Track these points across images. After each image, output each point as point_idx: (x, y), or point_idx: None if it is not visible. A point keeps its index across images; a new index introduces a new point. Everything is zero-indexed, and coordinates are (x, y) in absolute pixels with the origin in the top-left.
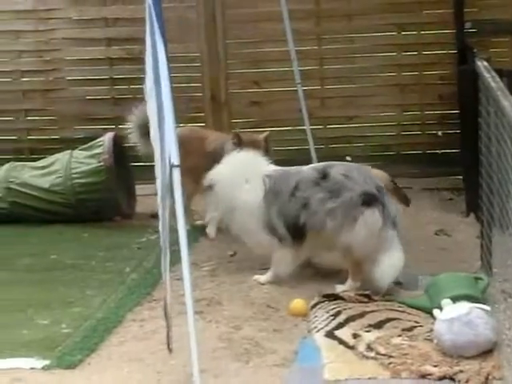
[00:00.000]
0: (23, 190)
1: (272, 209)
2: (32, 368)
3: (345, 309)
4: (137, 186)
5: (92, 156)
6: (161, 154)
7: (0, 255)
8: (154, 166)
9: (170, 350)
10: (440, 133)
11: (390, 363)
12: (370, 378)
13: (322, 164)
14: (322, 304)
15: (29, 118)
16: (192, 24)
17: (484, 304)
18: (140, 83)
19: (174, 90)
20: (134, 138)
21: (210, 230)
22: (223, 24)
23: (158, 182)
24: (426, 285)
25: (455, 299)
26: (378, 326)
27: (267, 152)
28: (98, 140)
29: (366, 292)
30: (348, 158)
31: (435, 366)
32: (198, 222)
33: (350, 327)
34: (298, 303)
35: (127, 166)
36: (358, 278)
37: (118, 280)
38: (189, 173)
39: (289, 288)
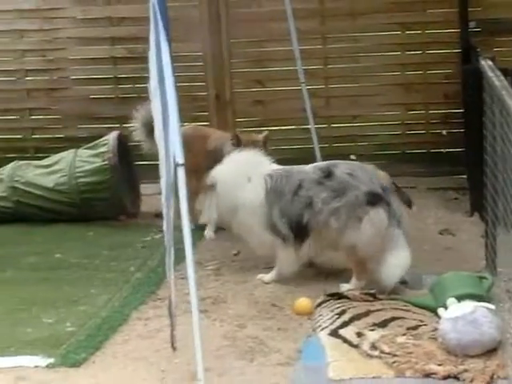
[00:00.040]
0: (28, 189)
1: (274, 208)
2: (36, 366)
3: (349, 308)
4: (141, 185)
5: (96, 155)
6: (165, 153)
7: (5, 254)
8: (158, 165)
9: (174, 348)
10: (444, 132)
11: (394, 362)
12: (374, 377)
13: (325, 163)
14: (327, 303)
15: (33, 116)
16: (196, 23)
17: (489, 303)
18: (144, 82)
19: (178, 89)
20: (138, 136)
21: (209, 232)
22: (227, 23)
23: (163, 181)
24: (430, 284)
25: (460, 298)
26: (383, 324)
27: (266, 152)
28: (103, 139)
29: (371, 291)
30: (352, 157)
31: (440, 365)
32: (203, 221)
33: (354, 326)
34: (302, 302)
35: (132, 165)
36: (362, 276)
37: (123, 279)
38: (192, 172)
39: (293, 287)
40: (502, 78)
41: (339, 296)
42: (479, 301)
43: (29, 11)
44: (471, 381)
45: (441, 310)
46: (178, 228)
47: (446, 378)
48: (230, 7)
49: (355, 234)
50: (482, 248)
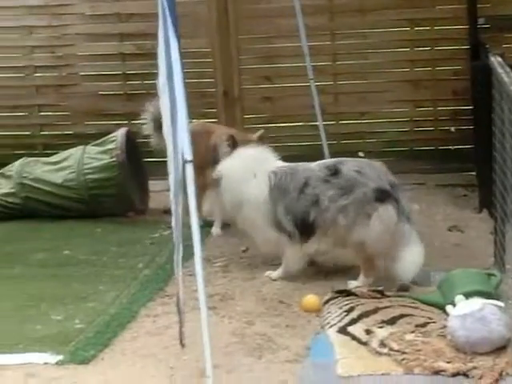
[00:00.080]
0: (36, 185)
1: (279, 205)
2: (45, 363)
3: (358, 305)
4: (150, 182)
5: (104, 151)
6: (173, 150)
7: (13, 250)
8: (166, 161)
9: (182, 345)
10: (453, 129)
11: (403, 359)
12: (383, 374)
13: (331, 160)
14: (335, 300)
15: (42, 113)
16: (204, 19)
17: (497, 300)
18: (153, 78)
19: (186, 85)
20: (148, 130)
21: (216, 229)
22: (236, 19)
23: (171, 177)
24: (438, 281)
25: (468, 295)
26: (391, 322)
27: None
28: (111, 135)
29: (379, 288)
30: (361, 154)
31: (448, 363)
32: (205, 215)
33: (363, 323)
34: (310, 299)
35: (140, 161)
36: (370, 273)
37: (131, 275)
38: (199, 168)
39: (301, 284)
40: None
41: (347, 293)
42: (487, 298)
43: (37, 7)
44: (480, 378)
45: (449, 307)
46: (186, 225)
47: (454, 375)
48: (238, 3)
49: (364, 230)
50: (491, 245)
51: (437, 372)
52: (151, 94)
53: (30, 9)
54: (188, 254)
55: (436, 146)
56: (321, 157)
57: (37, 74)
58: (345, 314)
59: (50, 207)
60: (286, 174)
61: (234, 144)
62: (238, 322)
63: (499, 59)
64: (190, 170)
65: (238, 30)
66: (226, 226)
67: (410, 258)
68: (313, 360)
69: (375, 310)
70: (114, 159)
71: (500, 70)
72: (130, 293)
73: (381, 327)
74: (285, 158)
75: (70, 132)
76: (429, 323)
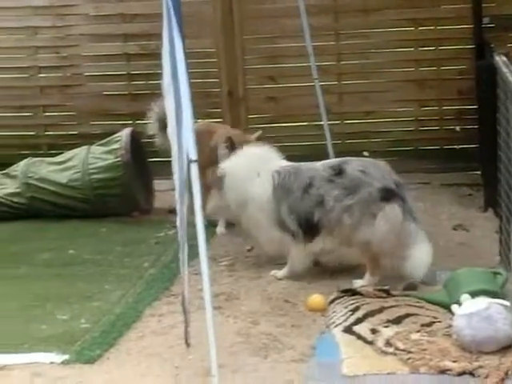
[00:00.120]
0: (41, 185)
1: (282, 205)
2: (51, 362)
3: (363, 304)
4: (155, 182)
5: (109, 151)
6: (178, 149)
7: (19, 250)
8: (171, 161)
9: (188, 344)
10: (458, 128)
11: (408, 359)
12: (388, 374)
13: (336, 160)
14: (341, 299)
15: (47, 113)
16: (209, 19)
17: (503, 299)
18: (157, 79)
19: (191, 85)
20: (152, 130)
21: (220, 228)
22: (240, 19)
23: (176, 177)
24: (444, 280)
25: (474, 294)
26: (397, 321)
27: None
28: (116, 135)
29: (385, 287)
30: (365, 154)
31: (454, 362)
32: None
33: (368, 322)
34: (315, 298)
35: (145, 161)
36: (376, 273)
37: (137, 275)
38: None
39: (306, 283)
40: None
41: (352, 292)
42: (493, 297)
43: (42, 8)
44: (486, 377)
45: (454, 307)
46: (191, 224)
47: (460, 374)
48: (243, 3)
49: (369, 230)
50: (496, 244)
51: (443, 371)
52: (156, 94)
53: (34, 9)
54: (193, 254)
55: (441, 145)
56: (325, 156)
57: (41, 75)
58: (350, 313)
59: (55, 207)
60: (290, 173)
61: (232, 145)
62: (244, 321)
63: (504, 59)
64: (194, 169)
65: (242, 30)
66: (230, 225)
67: (420, 256)
68: (318, 359)
69: (381, 310)
70: (118, 159)
71: (505, 70)
72: (136, 292)
73: (386, 326)
74: (289, 158)
75: (75, 132)
76: (434, 322)
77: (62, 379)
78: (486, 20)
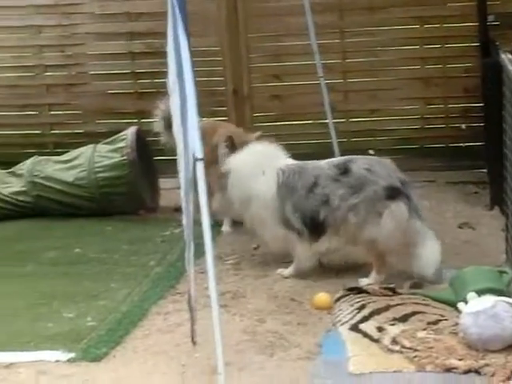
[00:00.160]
0: (47, 183)
1: (287, 203)
2: (57, 361)
3: (369, 302)
4: (160, 180)
5: (115, 150)
6: (184, 148)
7: (25, 249)
8: (177, 159)
9: (194, 342)
10: (464, 126)
11: (414, 357)
12: (394, 372)
13: (341, 159)
14: (347, 297)
15: (52, 112)
16: (214, 17)
17: (509, 297)
18: (162, 77)
19: (196, 83)
20: (158, 128)
21: (225, 227)
22: (245, 17)
23: (182, 175)
24: (450, 278)
25: (480, 292)
26: (403, 319)
27: None
28: (121, 134)
29: (391, 285)
30: (371, 152)
31: (460, 360)
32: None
33: (374, 320)
34: (322, 297)
35: (150, 159)
36: (382, 271)
37: (142, 273)
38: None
39: (312, 281)
40: None
41: (358, 290)
42: (499, 295)
43: (47, 6)
44: (492, 375)
45: (461, 305)
46: (197, 222)
47: (466, 372)
48: (247, 1)
49: (375, 228)
50: (503, 242)
51: (449, 369)
52: (161, 92)
53: (39, 8)
54: (199, 252)
55: (447, 143)
56: (331, 155)
57: (47, 73)
58: (356, 311)
59: (61, 205)
60: (294, 172)
61: (232, 145)
62: (250, 319)
63: (510, 56)
64: (200, 167)
65: (247, 28)
66: (236, 223)
67: (429, 252)
68: (324, 357)
69: (387, 308)
70: (124, 157)
71: (510, 68)
72: (142, 290)
73: (392, 324)
74: (294, 156)
75: (81, 131)
76: (441, 320)
77: (67, 377)
78: (491, 18)
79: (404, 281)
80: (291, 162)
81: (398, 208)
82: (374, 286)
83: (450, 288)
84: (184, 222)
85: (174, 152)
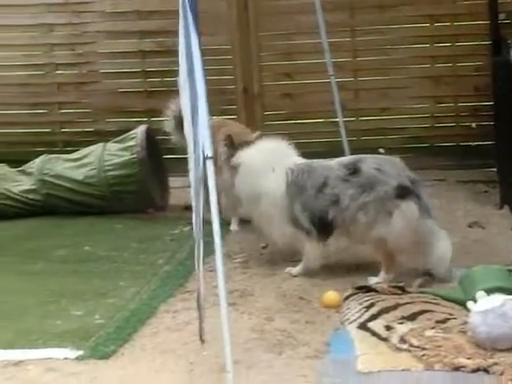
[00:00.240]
0: (57, 181)
1: (295, 202)
2: (66, 358)
3: (378, 301)
4: (170, 178)
5: (125, 148)
6: (194, 146)
7: (35, 247)
8: (187, 158)
9: (202, 341)
10: (474, 125)
11: (423, 355)
12: (403, 370)
13: (350, 158)
14: (355, 296)
15: (62, 110)
16: (224, 16)
17: None
18: (173, 76)
19: (206, 82)
20: (169, 127)
21: (233, 225)
22: (255, 16)
23: (191, 174)
24: (459, 277)
25: (489, 291)
26: (412, 318)
27: None
28: (131, 132)
29: (400, 284)
30: (381, 150)
31: (469, 359)
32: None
33: (383, 319)
34: (330, 295)
35: (160, 158)
36: (391, 269)
37: (151, 271)
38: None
39: (321, 280)
40: None
41: (367, 289)
42: (508, 294)
43: (57, 5)
44: (501, 374)
45: (470, 304)
46: (206, 221)
47: (475, 371)
48: (258, 0)
49: (385, 228)
50: None
51: (457, 368)
52: (171, 91)
53: (49, 6)
54: (208, 250)
55: (457, 142)
56: (341, 153)
57: (57, 72)
58: (365, 309)
59: (71, 204)
60: (304, 171)
61: (231, 144)
62: (258, 318)
63: None
64: (210, 166)
65: (257, 26)
66: (245, 222)
67: (442, 250)
68: (333, 356)
69: (395, 306)
70: (134, 156)
71: None
72: (151, 289)
73: (401, 323)
74: (305, 155)
75: (91, 129)
76: (449, 319)
77: (76, 375)
78: (502, 16)
79: (413, 279)
80: (300, 160)
81: (409, 207)
82: (383, 284)
83: (459, 287)
84: (193, 220)
85: (183, 151)
